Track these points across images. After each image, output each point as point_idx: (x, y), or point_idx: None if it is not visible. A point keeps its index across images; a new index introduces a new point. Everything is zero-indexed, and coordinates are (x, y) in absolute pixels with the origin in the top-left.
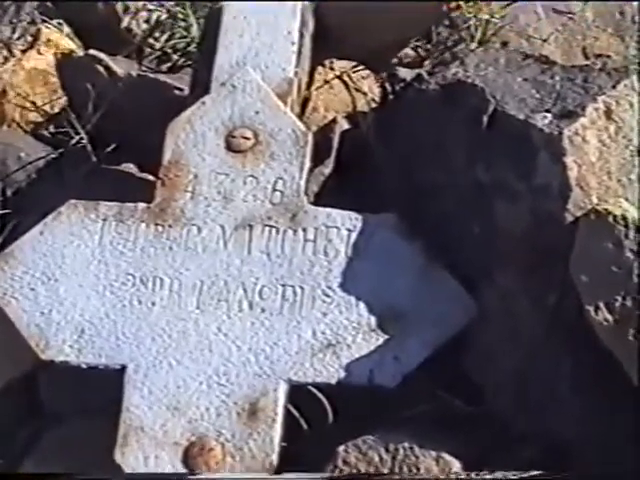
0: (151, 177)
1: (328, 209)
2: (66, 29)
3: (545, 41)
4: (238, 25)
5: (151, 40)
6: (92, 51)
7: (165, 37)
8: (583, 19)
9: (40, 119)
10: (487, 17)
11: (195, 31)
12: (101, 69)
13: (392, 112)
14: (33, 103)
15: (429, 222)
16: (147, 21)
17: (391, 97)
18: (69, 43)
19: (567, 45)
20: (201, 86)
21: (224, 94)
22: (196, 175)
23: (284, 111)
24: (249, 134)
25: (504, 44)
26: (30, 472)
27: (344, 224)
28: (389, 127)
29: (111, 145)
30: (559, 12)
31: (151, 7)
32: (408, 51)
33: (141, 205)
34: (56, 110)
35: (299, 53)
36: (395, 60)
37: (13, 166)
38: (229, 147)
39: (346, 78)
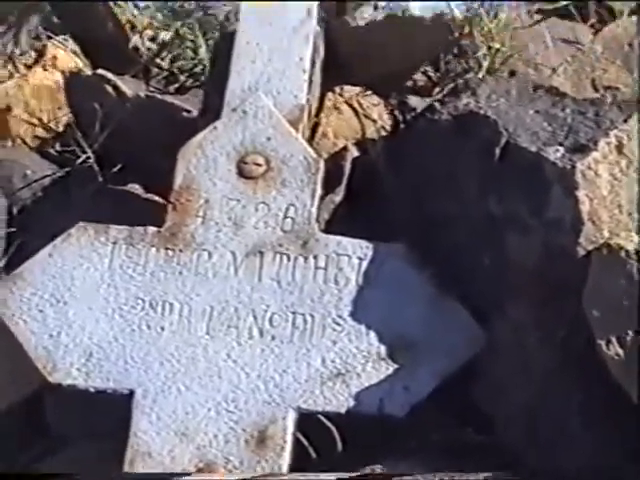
0: (157, 198)
1: (339, 237)
2: (71, 45)
3: (554, 71)
4: (250, 51)
5: (158, 60)
6: (100, 71)
7: (172, 57)
8: (592, 51)
9: (45, 135)
10: (497, 46)
11: (203, 52)
12: (109, 89)
13: (403, 141)
14: (39, 119)
15: (440, 252)
16: (153, 39)
17: (402, 126)
18: (75, 60)
19: (576, 76)
20: (212, 110)
21: (236, 119)
22: (207, 200)
23: (296, 138)
24: (261, 160)
25: (512, 73)
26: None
27: (355, 252)
28: (400, 156)
29: (118, 165)
30: (567, 42)
31: (159, 26)
32: (418, 77)
33: (151, 229)
34: (62, 127)
35: (310, 80)
36: (405, 86)
37: (19, 183)
38: (240, 173)
39: (356, 105)
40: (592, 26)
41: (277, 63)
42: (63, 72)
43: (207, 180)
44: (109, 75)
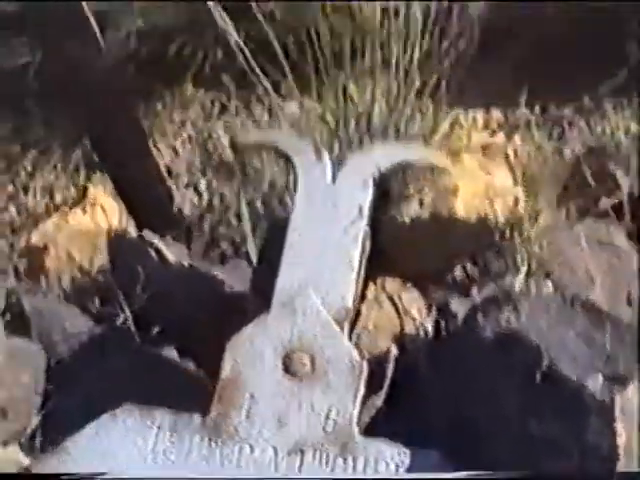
0: (191, 365)
1: (378, 441)
2: (111, 186)
3: (592, 281)
4: (301, 248)
5: (201, 224)
6: (145, 233)
7: (215, 223)
8: (627, 259)
9: (81, 278)
10: (536, 251)
11: (246, 221)
12: (152, 252)
13: (445, 347)
14: (75, 262)
15: (478, 467)
16: (188, 185)
17: (444, 334)
18: (113, 206)
19: (612, 288)
20: (260, 292)
21: (285, 315)
22: (252, 395)
23: (341, 339)
24: (306, 359)
25: (547, 275)
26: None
27: (393, 459)
28: (441, 362)
29: (155, 328)
30: (602, 244)
31: (202, 188)
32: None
33: (196, 417)
34: (97, 272)
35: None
36: (443, 280)
37: (57, 337)
38: (286, 369)
39: (396, 300)
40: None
41: (327, 262)
42: (109, 233)
43: (254, 374)
44: (153, 239)
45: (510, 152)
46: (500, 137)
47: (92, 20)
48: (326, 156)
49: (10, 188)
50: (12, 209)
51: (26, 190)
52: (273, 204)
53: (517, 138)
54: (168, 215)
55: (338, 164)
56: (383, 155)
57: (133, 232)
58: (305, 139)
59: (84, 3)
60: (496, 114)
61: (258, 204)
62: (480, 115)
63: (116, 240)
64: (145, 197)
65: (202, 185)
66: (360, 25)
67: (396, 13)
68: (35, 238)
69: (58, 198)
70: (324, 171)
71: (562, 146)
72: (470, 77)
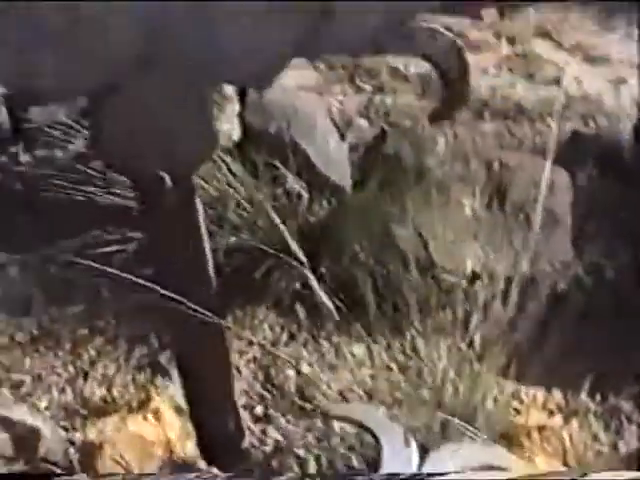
0: None
1: None
2: (174, 388)
3: None
4: None
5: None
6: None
7: (278, 465)
8: None
9: None
10: None
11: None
12: None
13: None
14: (126, 467)
15: None
16: (254, 413)
17: None
18: (175, 420)
19: None
20: None
21: None
22: None
23: None
24: None
25: None
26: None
27: None
28: None
29: None
30: None
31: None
32: None
33: None
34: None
35: None
36: None
37: None
38: None
39: None
40: None
41: None
42: (170, 453)
43: None
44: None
45: (566, 437)
46: (558, 420)
47: (203, 227)
48: (414, 444)
49: (71, 370)
50: (69, 393)
51: (86, 377)
52: (338, 462)
53: (575, 423)
54: (236, 451)
55: (424, 452)
56: (469, 455)
57: (194, 454)
58: (395, 423)
59: (201, 212)
60: (557, 395)
61: (323, 457)
62: (541, 394)
63: (179, 466)
64: (215, 424)
65: (259, 410)
66: (445, 288)
67: (475, 278)
68: (92, 434)
69: (115, 393)
70: (410, 458)
71: (618, 440)
72: (535, 353)
